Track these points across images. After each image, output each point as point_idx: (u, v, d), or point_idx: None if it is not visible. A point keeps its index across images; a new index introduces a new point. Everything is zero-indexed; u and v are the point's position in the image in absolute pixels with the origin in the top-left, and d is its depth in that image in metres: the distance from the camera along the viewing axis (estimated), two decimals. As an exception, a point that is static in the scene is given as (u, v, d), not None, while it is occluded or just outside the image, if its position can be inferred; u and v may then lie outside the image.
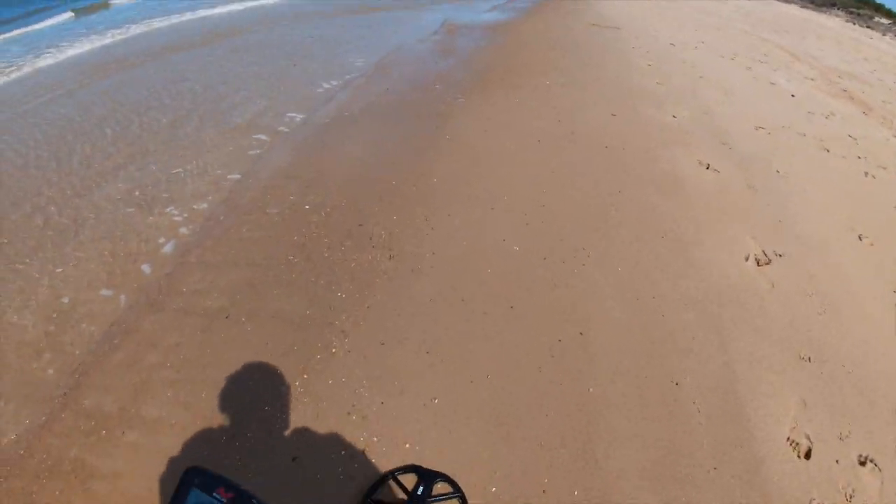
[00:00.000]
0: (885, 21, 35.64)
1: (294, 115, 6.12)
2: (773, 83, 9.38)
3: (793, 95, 8.79)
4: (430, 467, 2.17)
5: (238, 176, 4.60)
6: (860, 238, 4.57)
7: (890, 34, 29.28)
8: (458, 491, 2.09)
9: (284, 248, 3.67)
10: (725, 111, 7.13)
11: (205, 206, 4.16)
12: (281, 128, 5.71)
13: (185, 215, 4.05)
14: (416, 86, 7.18)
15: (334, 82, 7.36)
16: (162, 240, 3.77)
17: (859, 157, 6.43)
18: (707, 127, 6.43)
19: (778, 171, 5.52)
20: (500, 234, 3.94)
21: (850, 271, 4.05)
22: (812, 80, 10.37)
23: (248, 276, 3.39)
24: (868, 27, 31.29)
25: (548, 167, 4.96)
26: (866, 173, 5.99)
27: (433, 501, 2.03)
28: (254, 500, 0.83)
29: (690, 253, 3.96)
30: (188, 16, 11.34)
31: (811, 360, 3.12)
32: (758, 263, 4.06)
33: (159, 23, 10.90)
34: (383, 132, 5.59)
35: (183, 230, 3.87)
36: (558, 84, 7.51)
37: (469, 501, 2.09)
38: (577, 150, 5.39)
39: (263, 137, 5.40)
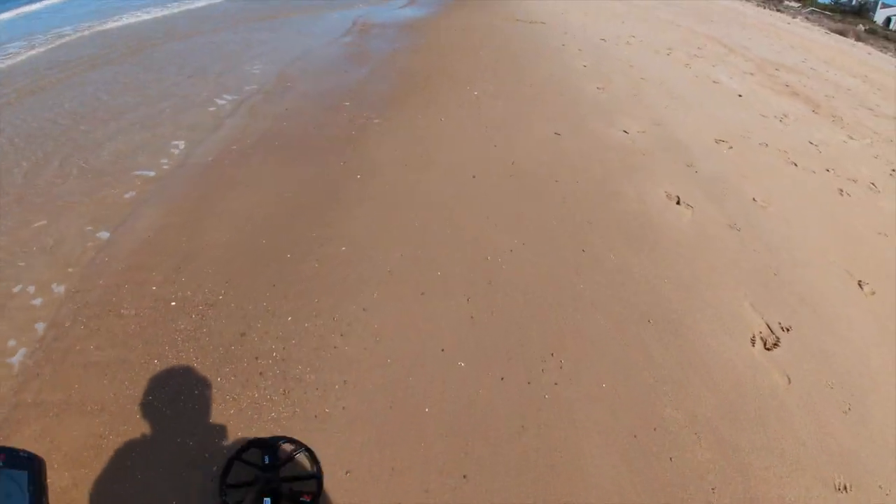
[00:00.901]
0: (794, 4, 36.85)
1: (177, 147, 4.71)
2: (716, 81, 8.63)
3: (740, 95, 8.10)
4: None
5: (92, 254, 3.24)
6: (860, 286, 3.84)
7: (800, 17, 30.13)
8: (300, 445, 2.08)
9: (137, 383, 2.38)
10: (678, 120, 6.21)
11: (45, 312, 2.81)
12: (156, 171, 4.27)
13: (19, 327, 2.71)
14: (322, 103, 5.83)
15: (228, 100, 5.91)
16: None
17: (828, 170, 5.77)
18: (664, 143, 5.46)
19: (755, 200, 4.61)
20: (436, 340, 2.73)
21: (863, 340, 3.28)
22: (752, 74, 9.77)
23: (96, 429, 2.13)
24: (779, 11, 32.13)
25: (489, 219, 3.78)
26: (841, 191, 5.34)
27: (284, 464, 1.99)
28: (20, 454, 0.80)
29: (685, 342, 2.94)
30: (85, 31, 9.29)
31: (848, 488, 2.33)
32: (765, 346, 3.13)
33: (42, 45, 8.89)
34: (278, 176, 4.23)
35: (13, 360, 2.49)
36: (488, 94, 6.32)
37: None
38: (521, 188, 4.24)
39: (131, 192, 3.94)
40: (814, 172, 5.63)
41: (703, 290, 3.34)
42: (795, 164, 5.69)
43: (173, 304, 2.85)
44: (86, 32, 8.73)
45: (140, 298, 2.86)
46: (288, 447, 2.07)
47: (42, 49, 7.68)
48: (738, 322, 3.15)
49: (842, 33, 26.52)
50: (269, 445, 2.04)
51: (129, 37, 8.51)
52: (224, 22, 10.15)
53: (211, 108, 5.63)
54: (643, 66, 8.77)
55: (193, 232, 3.45)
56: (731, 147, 5.71)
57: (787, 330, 3.22)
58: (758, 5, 32.55)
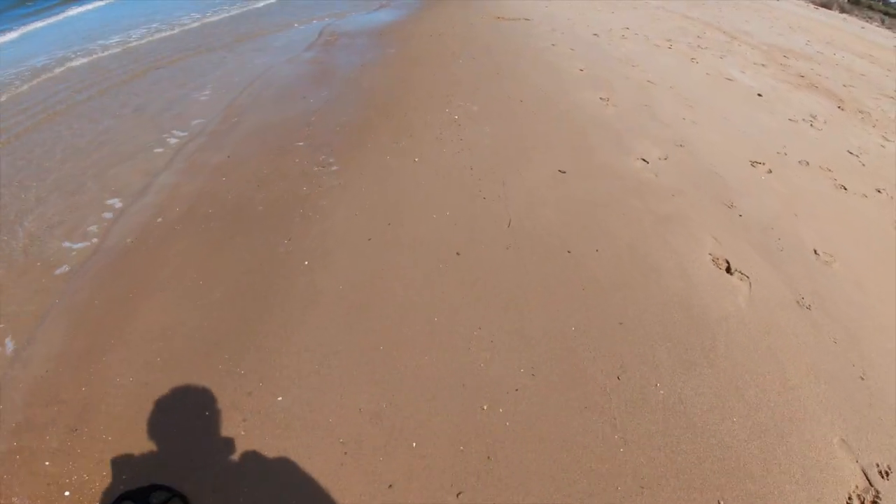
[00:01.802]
0: (775, -21, 35.93)
1: (95, 222, 3.73)
2: (729, 79, 7.59)
3: (759, 95, 7.13)
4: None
5: None
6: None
7: None
8: (172, 491, 1.93)
9: None
10: (703, 137, 5.22)
11: None
12: (66, 264, 3.29)
13: None
14: (271, 145, 4.77)
15: (165, 147, 4.88)
16: None
17: (879, 191, 4.87)
18: (694, 174, 4.50)
19: (817, 253, 3.64)
20: None
21: None
22: (763, 65, 8.76)
23: None
24: (762, -13, 31.24)
25: (482, 333, 2.79)
26: (905, 222, 4.28)
27: None
28: None
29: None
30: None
31: None
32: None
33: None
34: (204, 270, 3.21)
35: None
36: (471, 117, 5.23)
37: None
38: (523, 269, 3.23)
39: (31, 304, 2.94)
40: (865, 197, 4.71)
41: (783, 429, 2.36)
42: (845, 188, 4.72)
43: (67, 494, 1.91)
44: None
45: (31, 484, 1.95)
46: (161, 495, 1.90)
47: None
48: (829, 476, 2.15)
49: (826, 6, 25.97)
50: (139, 495, 1.90)
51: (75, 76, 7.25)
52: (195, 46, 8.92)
53: (144, 159, 4.62)
54: (646, 64, 7.70)
55: (95, 369, 2.50)
56: (770, 171, 4.70)
57: (887, 475, 2.24)
58: (742, -17, 31.70)
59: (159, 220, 3.71)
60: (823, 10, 24.45)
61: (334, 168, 4.30)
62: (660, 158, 4.63)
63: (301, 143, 4.78)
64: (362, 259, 3.22)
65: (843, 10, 25.30)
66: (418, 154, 4.50)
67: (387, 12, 11.21)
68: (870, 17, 25.10)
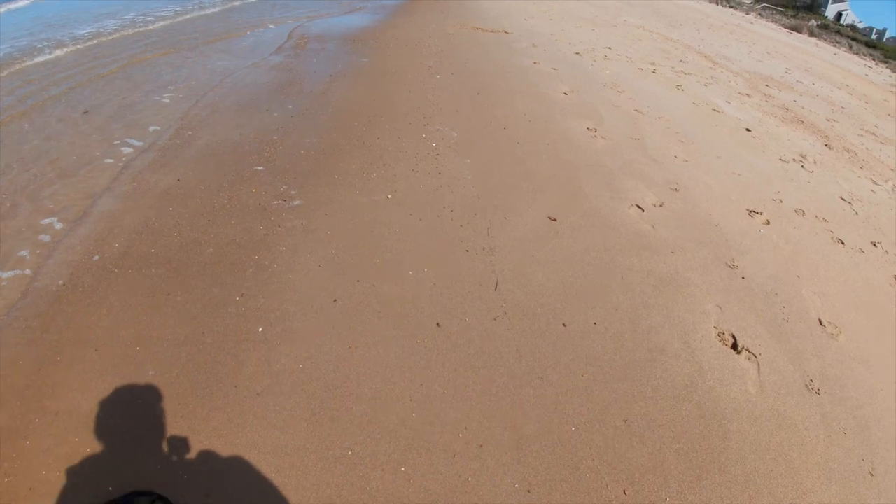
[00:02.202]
0: (745, 1, 36.65)
1: (26, 255, 3.24)
2: (716, 110, 7.37)
3: (748, 129, 6.92)
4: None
5: None
6: None
7: (753, 13, 29.83)
8: (155, 496, 1.85)
9: None
10: (697, 179, 4.97)
11: None
12: None
13: None
14: (227, 169, 4.27)
15: (115, 158, 4.39)
16: None
17: (875, 245, 4.68)
18: (691, 226, 4.19)
19: (822, 324, 3.47)
20: None
21: None
22: (748, 95, 8.60)
23: None
24: (731, 7, 31.80)
25: (470, 432, 2.38)
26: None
27: None
28: None
29: None
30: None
31: None
32: None
33: None
34: (139, 330, 2.69)
35: None
36: (451, 145, 4.79)
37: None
38: (512, 349, 2.82)
39: None
40: (862, 252, 4.50)
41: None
42: (842, 242, 4.49)
43: None
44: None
45: None
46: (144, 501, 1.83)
47: None
48: None
49: (796, 29, 26.67)
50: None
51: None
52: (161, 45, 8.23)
53: (87, 176, 4.13)
54: (632, 90, 7.39)
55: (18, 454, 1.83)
56: (767, 222, 4.41)
57: None
58: (710, 2, 32.21)
59: (95, 257, 3.19)
60: (795, 34, 24.95)
61: (297, 202, 3.80)
62: (655, 205, 4.26)
63: (260, 168, 4.25)
64: (327, 327, 2.73)
65: (811, 34, 25.93)
66: (392, 189, 4.03)
67: (362, 16, 10.70)
68: (837, 42, 25.82)
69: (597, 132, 5.52)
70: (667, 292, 3.29)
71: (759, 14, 30.46)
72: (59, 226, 3.49)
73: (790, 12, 34.44)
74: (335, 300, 2.90)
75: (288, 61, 7.22)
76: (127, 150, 4.55)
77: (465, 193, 4.05)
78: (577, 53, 9.18)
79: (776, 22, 27.86)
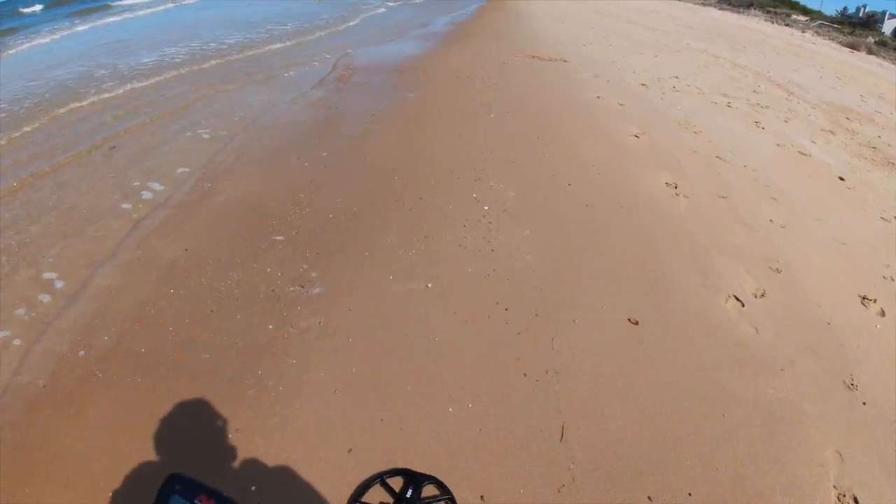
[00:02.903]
0: (801, 18, 34.97)
1: (10, 343, 2.88)
2: (803, 153, 6.44)
3: (841, 178, 5.91)
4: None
5: None
6: None
7: (809, 31, 28.32)
8: (446, 493, 1.95)
9: None
10: (801, 256, 4.07)
11: None
12: None
13: None
14: (241, 238, 3.72)
15: (124, 219, 4.00)
16: None
17: None
18: (803, 327, 3.30)
19: None
20: None
21: None
22: (832, 133, 7.59)
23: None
24: (787, 25, 30.29)
25: None
26: None
27: None
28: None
29: None
30: None
31: None
32: None
33: None
34: (119, 464, 2.17)
35: None
36: (506, 209, 4.16)
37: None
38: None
39: None
40: None
41: None
42: None
43: None
44: None
45: None
46: (433, 490, 1.94)
47: None
48: None
49: (854, 47, 25.46)
50: (417, 480, 1.94)
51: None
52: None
53: (93, 237, 3.78)
54: (710, 130, 6.49)
55: None
56: (882, 313, 3.56)
57: None
58: (766, 20, 30.91)
59: (81, 352, 2.73)
60: (854, 52, 23.60)
61: (316, 290, 3.11)
62: (756, 295, 3.39)
63: (280, 238, 3.61)
64: (338, 493, 1.98)
65: (870, 52, 24.56)
66: (433, 274, 3.29)
67: (412, 43, 10.10)
68: (896, 59, 24.22)
69: (678, 188, 4.66)
70: (777, 434, 2.46)
71: (816, 32, 28.94)
72: (54, 301, 3.16)
73: (846, 29, 32.63)
74: (350, 450, 2.17)
75: (328, 96, 6.63)
76: (147, 194, 4.24)
77: (524, 282, 3.27)
78: (644, 84, 8.31)
79: (833, 40, 26.35)
